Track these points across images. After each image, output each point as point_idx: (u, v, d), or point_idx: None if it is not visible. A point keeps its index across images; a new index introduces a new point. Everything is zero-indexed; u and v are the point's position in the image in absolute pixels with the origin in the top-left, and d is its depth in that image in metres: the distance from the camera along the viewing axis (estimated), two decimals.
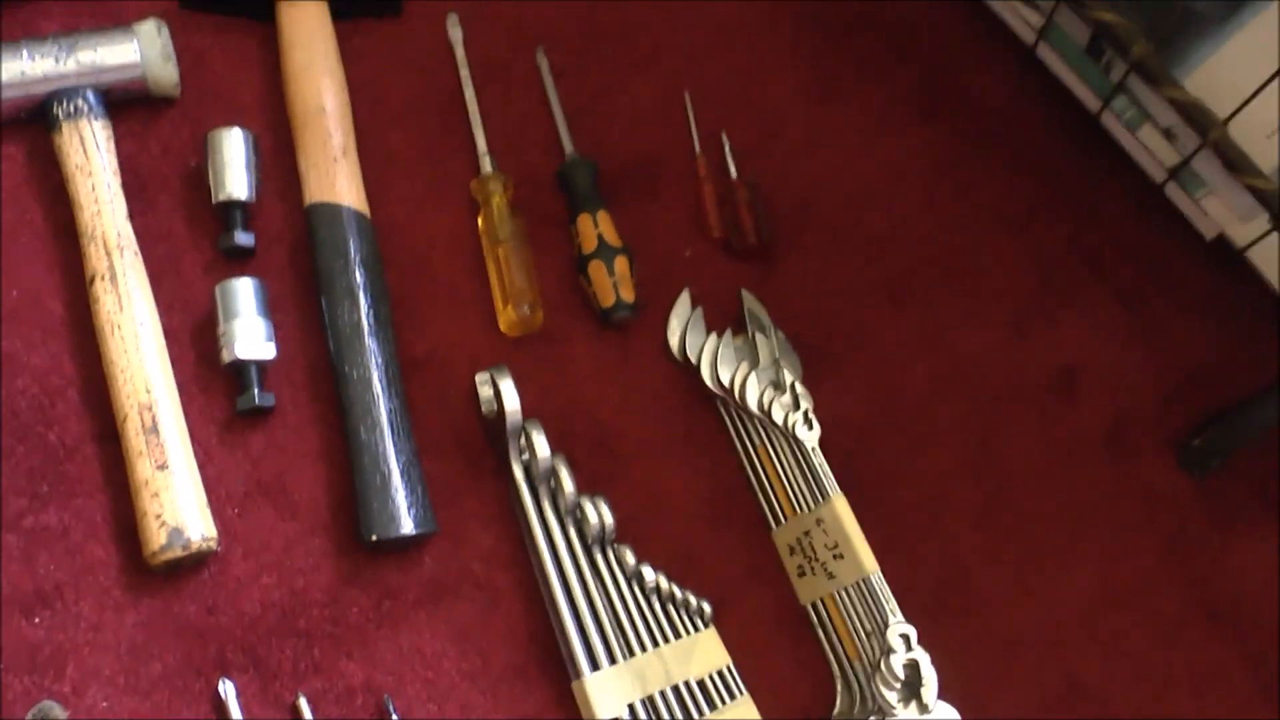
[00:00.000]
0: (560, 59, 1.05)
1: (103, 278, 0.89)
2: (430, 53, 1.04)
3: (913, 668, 0.87)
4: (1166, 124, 0.98)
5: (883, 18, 1.11)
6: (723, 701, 0.90)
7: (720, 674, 0.91)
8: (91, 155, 0.93)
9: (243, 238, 0.93)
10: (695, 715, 0.89)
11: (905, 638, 0.87)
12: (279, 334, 0.93)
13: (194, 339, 0.92)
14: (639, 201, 1.01)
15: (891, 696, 0.87)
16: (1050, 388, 1.03)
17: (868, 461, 0.98)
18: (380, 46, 1.03)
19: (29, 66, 0.93)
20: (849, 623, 0.91)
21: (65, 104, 0.93)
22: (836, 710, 0.92)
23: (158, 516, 0.83)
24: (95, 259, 0.90)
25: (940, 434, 1.00)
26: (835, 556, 0.89)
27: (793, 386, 0.93)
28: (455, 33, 1.04)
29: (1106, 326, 1.05)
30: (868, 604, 0.89)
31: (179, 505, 0.84)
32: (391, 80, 1.02)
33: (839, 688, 0.92)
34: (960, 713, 0.87)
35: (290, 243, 0.96)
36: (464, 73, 1.03)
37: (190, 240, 0.95)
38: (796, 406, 0.92)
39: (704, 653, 0.91)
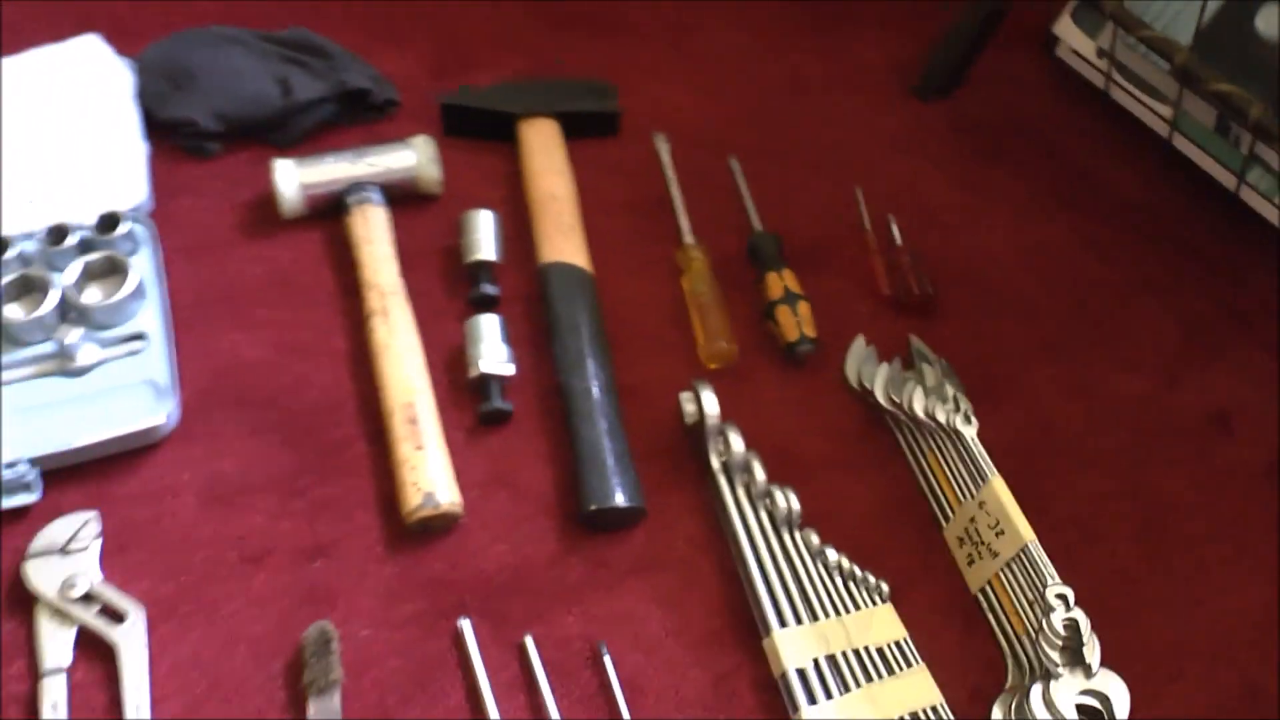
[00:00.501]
0: (749, 165, 1.26)
1: (378, 315, 1.11)
2: (640, 161, 1.27)
3: (1073, 627, 0.96)
4: None
5: (1028, 120, 1.30)
6: (900, 669, 0.99)
7: (897, 644, 1.01)
8: (373, 229, 1.17)
9: (489, 288, 1.14)
10: (875, 677, 0.98)
11: (1063, 597, 0.96)
12: (519, 370, 1.11)
13: (447, 366, 1.12)
14: (816, 273, 1.19)
15: (1055, 656, 0.95)
16: (1205, 426, 1.13)
17: (1026, 483, 1.07)
18: (601, 157, 1.27)
19: (333, 169, 1.19)
20: (1014, 598, 1.00)
21: (356, 194, 1.18)
22: (1008, 684, 1.00)
23: (414, 484, 1.01)
24: (373, 301, 1.12)
25: (1096, 462, 1.10)
26: (998, 534, 1.01)
27: (954, 394, 1.06)
28: (662, 147, 1.27)
29: (1258, 376, 1.15)
30: (1029, 574, 0.99)
31: (432, 476, 1.02)
32: (609, 182, 1.25)
33: (1009, 665, 1.01)
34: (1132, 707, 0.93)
35: (525, 298, 1.17)
36: (669, 174, 1.25)
37: (445, 297, 1.17)
38: (957, 408, 1.06)
39: (882, 624, 1.01)
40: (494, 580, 1.00)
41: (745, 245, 1.21)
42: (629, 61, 1.38)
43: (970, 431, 1.03)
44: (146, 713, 0.92)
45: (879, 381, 1.10)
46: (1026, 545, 0.98)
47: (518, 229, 1.20)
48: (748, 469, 1.04)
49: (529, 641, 0.97)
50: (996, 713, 0.97)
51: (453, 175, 1.24)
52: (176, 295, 1.13)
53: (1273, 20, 1.13)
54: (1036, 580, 0.97)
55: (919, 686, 0.99)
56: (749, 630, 0.99)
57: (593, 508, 1.00)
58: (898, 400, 1.08)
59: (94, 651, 0.95)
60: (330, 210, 1.20)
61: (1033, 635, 0.97)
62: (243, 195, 1.23)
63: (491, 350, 1.08)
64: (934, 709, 0.98)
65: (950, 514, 1.05)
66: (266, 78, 1.25)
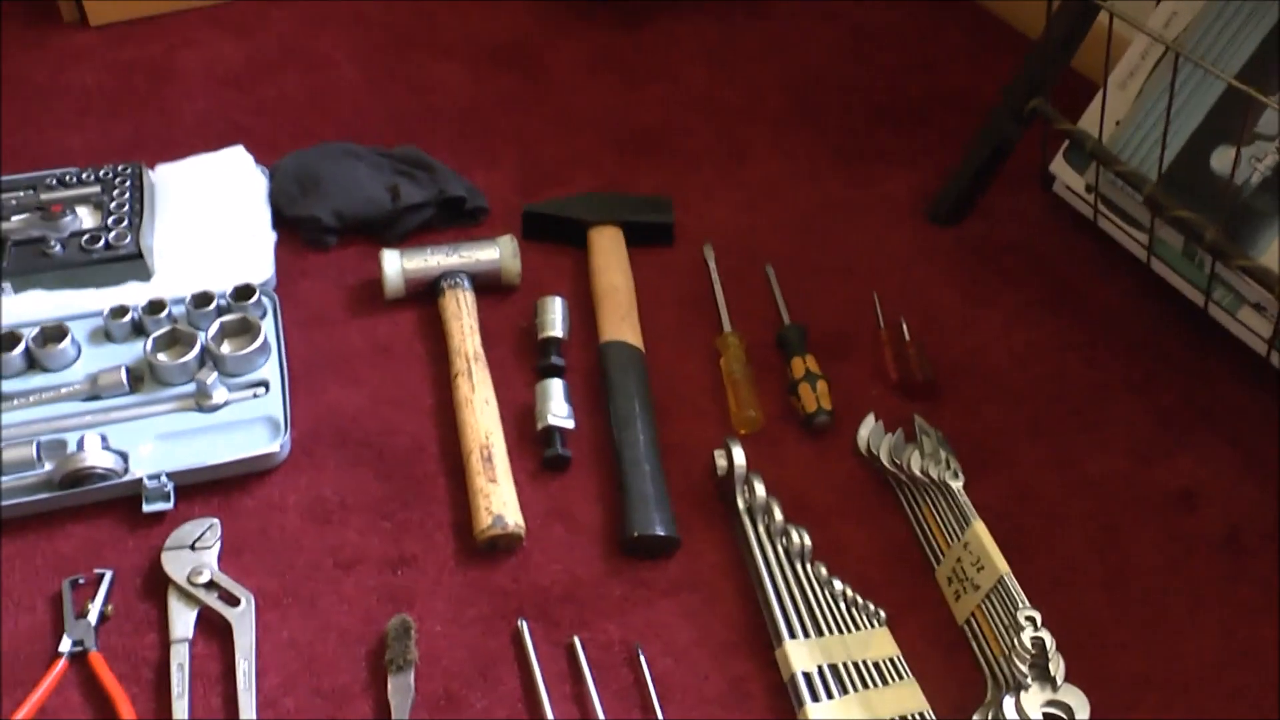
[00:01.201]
0: (782, 271, 1.49)
1: (463, 374, 1.33)
2: (690, 264, 1.50)
3: (1040, 645, 1.13)
4: (1256, 300, 1.30)
5: (1026, 243, 1.53)
6: (893, 680, 1.17)
7: (891, 661, 1.18)
8: (463, 308, 1.40)
9: (557, 359, 1.36)
10: (871, 685, 1.16)
11: (1031, 619, 1.13)
12: (578, 425, 1.32)
13: (517, 421, 1.33)
14: (835, 360, 1.39)
15: (1025, 669, 1.12)
16: (1170, 502, 1.29)
17: (1008, 540, 1.22)
18: (657, 261, 1.50)
19: (431, 259, 1.43)
20: (993, 624, 1.18)
21: (449, 280, 1.42)
22: (988, 698, 1.17)
23: (487, 508, 1.21)
24: (459, 364, 1.34)
25: (1071, 526, 1.26)
26: (979, 569, 1.19)
27: (946, 457, 1.26)
28: (709, 253, 1.50)
29: (1219, 461, 1.33)
30: (1005, 602, 1.17)
31: (502, 502, 1.22)
32: (663, 281, 1.48)
33: (989, 683, 1.17)
34: None
35: (586, 371, 1.38)
36: (714, 275, 1.47)
37: (518, 367, 1.38)
38: (948, 467, 1.25)
39: (879, 643, 1.19)
40: (549, 592, 1.19)
41: (775, 336, 1.42)
42: (685, 182, 1.62)
43: (957, 485, 1.22)
44: (253, 681, 1.10)
45: (884, 447, 1.29)
46: (1002, 576, 1.15)
47: (582, 316, 1.43)
48: (768, 511, 1.22)
49: (577, 642, 1.15)
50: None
51: (530, 270, 1.47)
52: (293, 357, 1.36)
53: (1226, 159, 1.35)
54: (1010, 607, 1.14)
55: (909, 695, 1.15)
56: (763, 643, 1.17)
57: (635, 534, 1.19)
58: (899, 462, 1.27)
59: (211, 631, 1.14)
60: (425, 294, 1.43)
61: (1007, 654, 1.13)
62: (351, 280, 1.47)
63: (557, 407, 1.29)
64: (921, 714, 1.14)
65: (940, 556, 1.23)
66: (379, 185, 1.50)
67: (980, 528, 1.17)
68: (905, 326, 1.41)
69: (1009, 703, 1.08)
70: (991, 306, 1.45)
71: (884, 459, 1.28)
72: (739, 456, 1.22)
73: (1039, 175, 1.53)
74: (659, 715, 1.09)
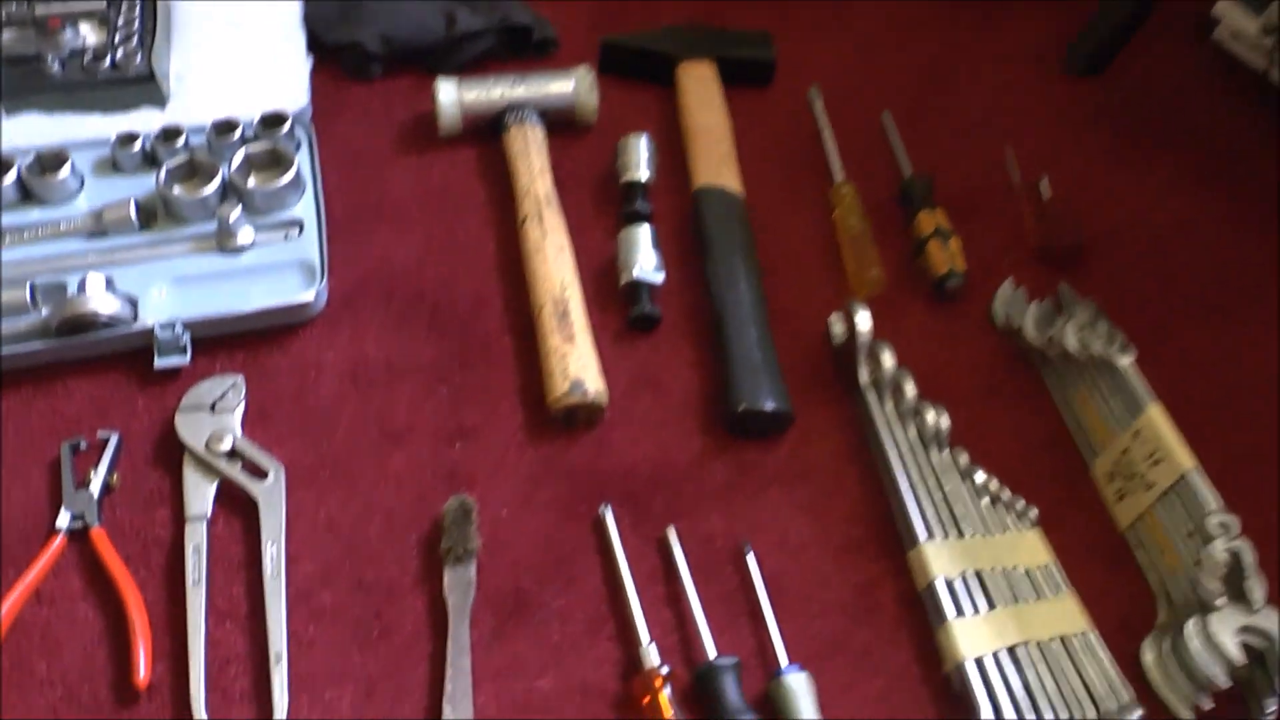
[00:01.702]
0: (899, 124, 1.27)
1: (532, 218, 1.12)
2: (791, 113, 1.28)
3: (1235, 558, 0.93)
4: None
5: (1179, 101, 1.31)
6: (1047, 594, 0.96)
7: (1044, 570, 0.98)
8: (530, 144, 1.18)
9: (642, 205, 1.15)
10: (1022, 598, 0.95)
11: (1226, 526, 0.93)
12: (667, 281, 1.12)
13: (596, 274, 1.12)
14: (963, 223, 1.18)
15: (1214, 587, 0.92)
16: None
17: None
18: (754, 106, 1.28)
19: (493, 90, 1.21)
20: (1168, 532, 0.97)
21: (514, 114, 1.20)
22: (1159, 621, 0.97)
23: (563, 372, 1.01)
24: (527, 206, 1.13)
25: (1243, 421, 1.08)
26: (1153, 464, 0.98)
27: (1108, 329, 1.05)
28: (816, 98, 1.28)
29: None
30: (1187, 505, 0.96)
31: (581, 365, 1.02)
32: (762, 129, 1.26)
33: (1160, 604, 0.97)
34: None
35: (676, 220, 1.17)
36: (822, 120, 1.26)
37: (596, 215, 1.17)
38: (1112, 340, 1.04)
39: (1029, 548, 0.99)
40: (636, 475, 0.99)
41: (894, 193, 1.21)
42: (786, 19, 1.39)
43: (1125, 361, 1.01)
44: (282, 567, 0.91)
45: (1029, 318, 1.08)
46: (1186, 473, 0.95)
47: (669, 164, 1.21)
48: (897, 387, 1.02)
49: (671, 535, 0.95)
50: (1147, 653, 0.93)
51: (608, 109, 1.25)
52: (331, 201, 1.15)
53: None
54: (1195, 512, 0.93)
55: (1067, 612, 0.95)
56: (893, 544, 0.97)
57: (742, 408, 0.99)
58: (1049, 336, 1.06)
59: (234, 508, 0.95)
60: (487, 131, 1.21)
61: (1188, 571, 0.93)
62: (401, 115, 1.26)
63: (644, 257, 1.08)
64: (1082, 635, 0.94)
65: (1097, 450, 1.02)
66: (432, 10, 1.28)
67: (1158, 413, 0.97)
68: (1045, 184, 1.19)
69: (1193, 627, 0.88)
70: (1140, 173, 1.24)
71: (1029, 332, 1.07)
72: (863, 321, 1.01)
73: (1194, 20, 1.30)
74: (771, 625, 0.90)
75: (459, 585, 0.91)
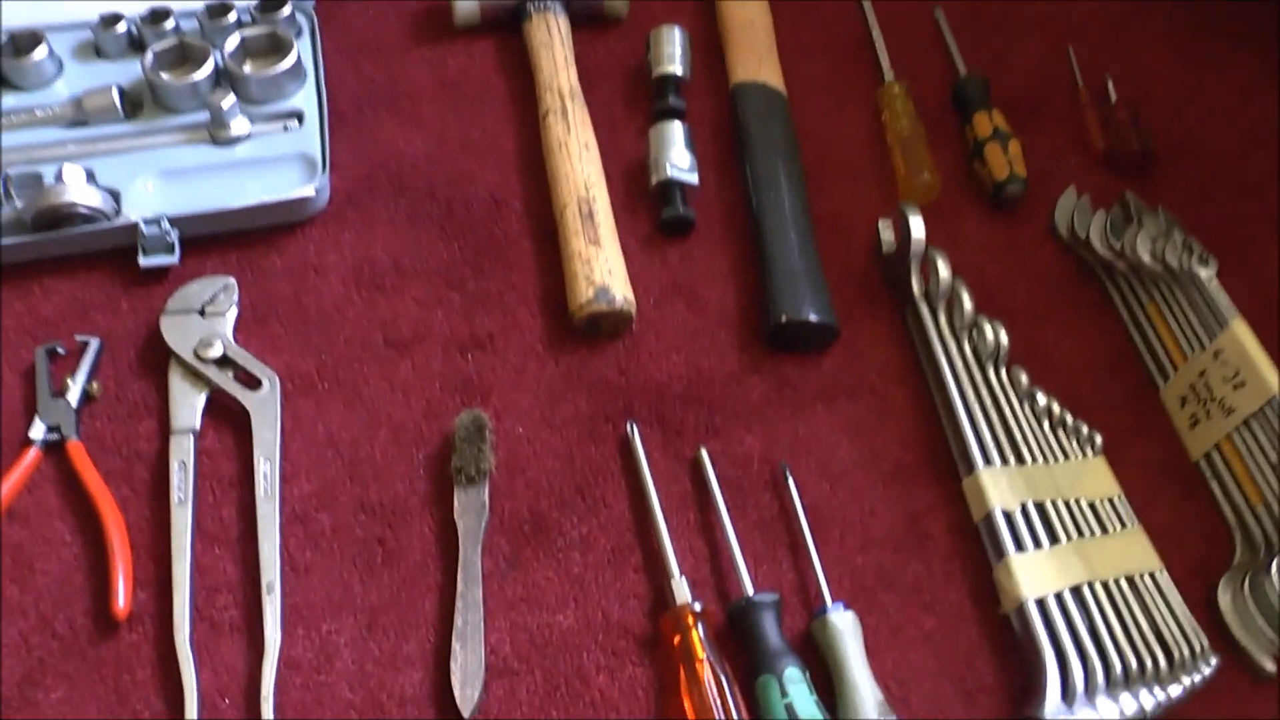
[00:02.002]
0: (952, 21, 1.17)
1: (554, 113, 1.02)
2: (838, 4, 1.17)
3: None
4: None
5: None
6: (1114, 528, 0.87)
7: (1111, 502, 0.89)
8: (554, 34, 1.08)
9: (675, 100, 1.05)
10: (1086, 532, 0.86)
11: None
12: (701, 183, 1.02)
13: (624, 176, 1.02)
14: (1022, 128, 1.08)
15: None
16: None
17: None
18: (793, 4, 1.16)
19: None
20: (1249, 463, 0.88)
21: (538, 3, 1.09)
22: (1237, 560, 0.87)
23: (588, 278, 0.91)
24: (549, 100, 1.03)
25: None
26: (1235, 387, 0.88)
27: (1184, 239, 0.94)
28: None
29: None
30: (1272, 432, 0.86)
31: (606, 270, 0.92)
32: (804, 26, 1.15)
33: (1237, 540, 0.89)
34: None
35: (712, 118, 1.07)
36: (870, 15, 1.16)
37: (625, 112, 1.07)
38: (1190, 251, 0.94)
39: (1094, 478, 0.90)
40: (666, 390, 0.90)
41: (947, 94, 1.11)
42: None
43: (1207, 273, 0.91)
44: (276, 487, 0.83)
45: (1095, 228, 0.98)
46: (1275, 397, 0.84)
47: (704, 62, 1.11)
48: (952, 300, 0.92)
49: (704, 455, 0.86)
50: (1223, 596, 0.84)
51: (638, 2, 1.14)
52: (335, 91, 1.05)
53: None
54: None
55: (1135, 549, 0.86)
56: (945, 470, 0.88)
57: (783, 319, 0.90)
58: (1118, 247, 0.96)
59: (224, 421, 0.86)
60: (506, 22, 1.11)
61: (1271, 505, 0.84)
62: (412, 3, 1.15)
63: (678, 155, 0.99)
64: (1152, 575, 0.85)
65: (1171, 371, 0.93)
66: None
67: (1243, 330, 0.88)
68: (1111, 86, 1.08)
69: (1277, 568, 0.78)
70: (1217, 74, 1.13)
71: (1096, 243, 0.97)
72: (917, 227, 0.92)
73: None
74: (813, 553, 0.80)
75: (471, 508, 0.82)
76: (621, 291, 0.90)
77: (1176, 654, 0.80)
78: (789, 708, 0.74)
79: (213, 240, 0.95)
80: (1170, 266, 0.93)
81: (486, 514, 0.82)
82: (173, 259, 0.92)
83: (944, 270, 0.92)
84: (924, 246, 0.93)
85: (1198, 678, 0.80)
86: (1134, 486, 0.90)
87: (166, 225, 0.92)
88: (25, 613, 0.77)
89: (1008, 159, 1.01)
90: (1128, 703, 0.77)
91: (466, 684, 0.75)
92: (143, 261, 0.92)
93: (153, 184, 0.96)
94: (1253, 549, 0.87)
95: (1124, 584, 0.84)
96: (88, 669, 0.76)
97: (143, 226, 0.92)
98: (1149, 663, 0.79)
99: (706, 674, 0.75)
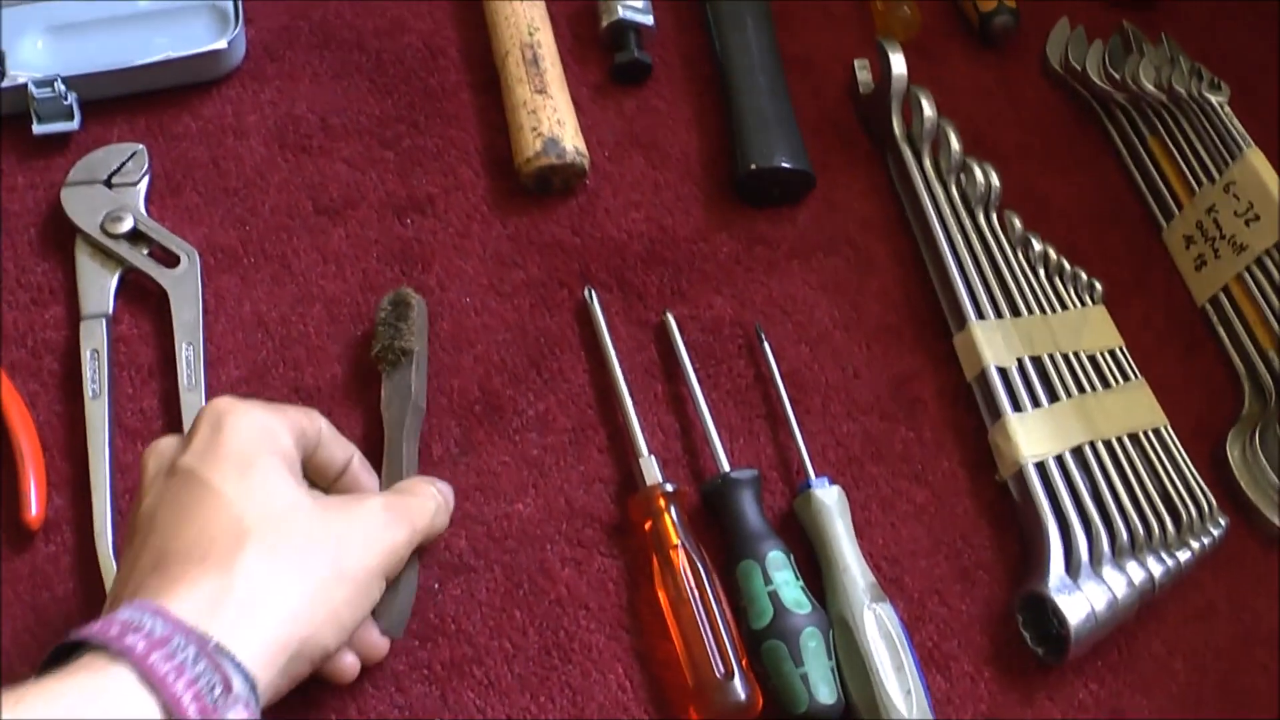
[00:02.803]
0: None
1: None
2: None
3: None
4: None
5: None
6: (1115, 382, 0.80)
7: (1112, 354, 0.81)
8: None
9: None
10: (1087, 388, 0.78)
11: None
12: (658, 26, 0.93)
13: (569, 22, 0.93)
14: None
15: None
16: None
17: None
18: None
19: None
20: (1261, 304, 0.80)
21: None
22: (1245, 411, 0.81)
23: (534, 129, 0.82)
24: None
25: None
26: (1248, 222, 0.81)
27: (1194, 66, 0.86)
28: None
29: None
30: None
31: (555, 121, 0.83)
32: None
33: (1246, 390, 0.82)
34: None
35: None
36: None
37: None
38: (1199, 76, 0.85)
39: (1094, 329, 0.82)
40: (626, 250, 0.81)
41: None
42: None
43: (1219, 98, 0.83)
44: (201, 374, 0.74)
45: (1092, 59, 0.89)
46: None
47: None
48: (937, 141, 0.83)
49: (670, 320, 0.77)
50: (1231, 448, 0.78)
51: None
52: None
53: None
54: None
55: (1139, 404, 0.79)
56: (934, 328, 0.80)
57: (753, 167, 0.81)
58: (1118, 78, 0.87)
59: (140, 304, 0.77)
60: None
61: None
62: None
63: None
64: (1156, 432, 0.78)
65: (1175, 211, 0.85)
66: None
67: (1259, 158, 0.80)
68: None
69: None
70: None
71: (1093, 74, 0.88)
72: (897, 64, 0.83)
73: None
74: (793, 424, 0.73)
75: (397, 395, 0.73)
76: (572, 142, 0.81)
77: (1184, 516, 0.74)
78: (773, 595, 0.67)
79: (116, 103, 0.85)
80: (1178, 95, 0.85)
81: (415, 401, 0.74)
82: (72, 125, 0.83)
83: (928, 109, 0.84)
84: (906, 85, 0.84)
85: (1206, 540, 0.74)
86: (1136, 340, 0.83)
87: (62, 87, 0.82)
88: None
89: None
90: (1135, 571, 0.71)
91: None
92: (36, 129, 0.82)
93: (42, 41, 0.86)
94: (1263, 399, 0.80)
95: (1127, 442, 0.77)
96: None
97: (33, 89, 0.82)
98: (1155, 527, 0.73)
99: (682, 560, 0.68)
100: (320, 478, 0.65)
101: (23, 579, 0.68)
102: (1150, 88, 0.86)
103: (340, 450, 0.65)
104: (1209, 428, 0.81)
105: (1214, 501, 0.76)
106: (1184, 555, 0.73)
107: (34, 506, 0.69)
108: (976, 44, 0.95)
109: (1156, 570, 0.72)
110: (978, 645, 0.71)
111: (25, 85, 0.82)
